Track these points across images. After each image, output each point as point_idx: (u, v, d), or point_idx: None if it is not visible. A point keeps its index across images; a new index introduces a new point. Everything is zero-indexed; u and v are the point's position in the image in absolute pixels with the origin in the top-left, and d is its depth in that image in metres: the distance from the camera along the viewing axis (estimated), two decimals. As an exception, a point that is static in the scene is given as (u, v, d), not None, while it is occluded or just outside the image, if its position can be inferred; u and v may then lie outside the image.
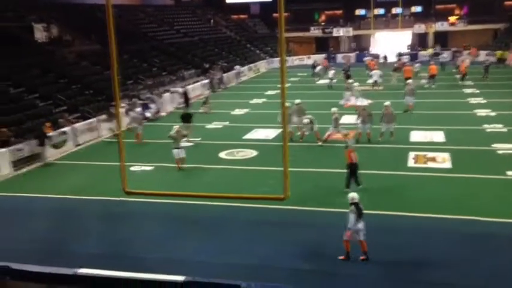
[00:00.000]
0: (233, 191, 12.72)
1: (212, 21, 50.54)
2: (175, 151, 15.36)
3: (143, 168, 15.76)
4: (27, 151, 17.06)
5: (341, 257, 9.33)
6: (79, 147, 19.12)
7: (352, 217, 9.14)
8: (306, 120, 17.77)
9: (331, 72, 31.24)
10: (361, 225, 9.17)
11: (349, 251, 9.28)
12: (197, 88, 30.34)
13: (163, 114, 24.53)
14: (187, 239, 10.76)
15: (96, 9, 33.86)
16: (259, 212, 11.63)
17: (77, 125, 19.75)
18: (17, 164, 16.57)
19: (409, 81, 24.18)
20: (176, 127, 16.15)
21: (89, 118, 21.09)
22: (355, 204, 9.23)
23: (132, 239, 11.06)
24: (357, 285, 8.76)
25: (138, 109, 20.95)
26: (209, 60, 37.84)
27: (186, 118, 19.71)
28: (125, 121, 20.28)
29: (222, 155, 16.99)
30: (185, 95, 26.17)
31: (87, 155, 18.18)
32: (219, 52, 42.14)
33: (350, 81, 26.35)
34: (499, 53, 37.62)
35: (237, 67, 37.18)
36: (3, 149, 16.31)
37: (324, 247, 10.00)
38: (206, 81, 32.31)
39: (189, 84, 29.56)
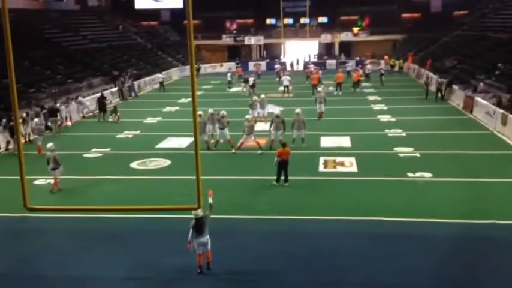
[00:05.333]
0: (146, 201, 12.39)
1: (121, 27, 49.08)
2: (51, 172, 13.99)
3: (49, 181, 14.82)
4: None
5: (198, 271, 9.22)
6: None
7: (191, 231, 9.13)
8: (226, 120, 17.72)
9: (251, 79, 31.28)
10: (204, 239, 9.15)
11: (201, 265, 9.20)
12: (106, 96, 29.17)
13: (68, 124, 23.29)
14: (97, 255, 10.27)
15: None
16: (173, 222, 11.37)
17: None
18: None
19: (319, 88, 25.08)
20: (49, 145, 14.35)
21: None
22: (197, 219, 9.11)
23: (36, 257, 10.35)
24: None
25: (36, 119, 19.49)
26: (118, 67, 36.68)
27: (53, 112, 21.38)
28: (24, 132, 19.07)
29: (134, 165, 16.49)
30: (101, 100, 25.10)
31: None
32: (129, 59, 41.03)
33: (255, 98, 23.67)
34: (391, 61, 42.97)
35: (160, 75, 36.58)
36: None
37: (239, 254, 10.04)
38: (115, 89, 31.25)
39: (97, 93, 28.32)
